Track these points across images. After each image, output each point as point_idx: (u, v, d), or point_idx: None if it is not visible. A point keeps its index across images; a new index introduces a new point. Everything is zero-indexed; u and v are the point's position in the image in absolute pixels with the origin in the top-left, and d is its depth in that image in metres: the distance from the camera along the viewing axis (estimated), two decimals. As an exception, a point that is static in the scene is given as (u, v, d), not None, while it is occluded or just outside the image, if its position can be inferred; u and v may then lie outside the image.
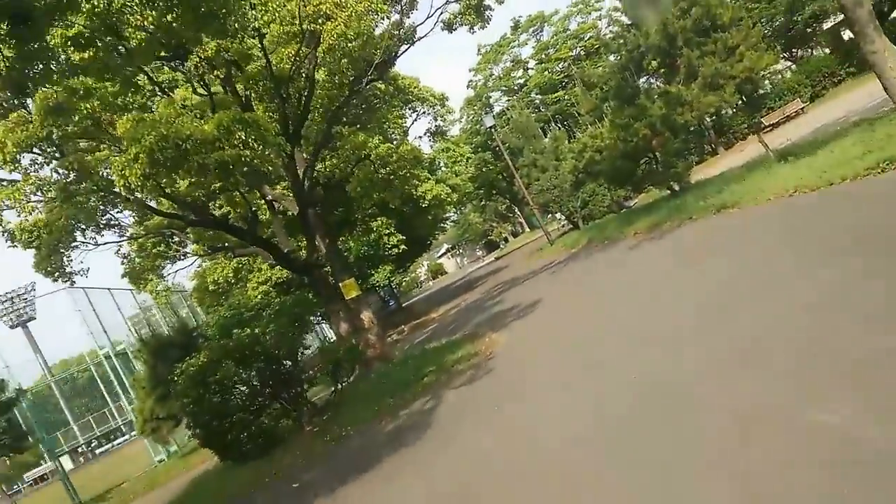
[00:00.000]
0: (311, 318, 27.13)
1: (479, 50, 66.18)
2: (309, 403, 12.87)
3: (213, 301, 31.04)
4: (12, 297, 44.45)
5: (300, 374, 12.74)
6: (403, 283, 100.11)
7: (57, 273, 16.58)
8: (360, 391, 13.29)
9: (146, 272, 19.58)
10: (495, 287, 27.35)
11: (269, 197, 16.60)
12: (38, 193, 10.50)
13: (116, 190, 11.36)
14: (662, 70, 30.29)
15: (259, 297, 27.95)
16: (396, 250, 30.90)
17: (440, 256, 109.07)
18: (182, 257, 20.55)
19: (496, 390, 9.48)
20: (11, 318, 57.62)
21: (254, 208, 16.79)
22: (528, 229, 75.32)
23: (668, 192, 22.71)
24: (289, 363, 12.49)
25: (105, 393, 32.91)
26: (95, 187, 11.76)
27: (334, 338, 16.53)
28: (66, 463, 64.00)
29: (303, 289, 26.04)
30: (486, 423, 8.00)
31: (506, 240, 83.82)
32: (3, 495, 18.27)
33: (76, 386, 64.92)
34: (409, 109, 33.97)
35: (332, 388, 13.46)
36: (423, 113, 34.69)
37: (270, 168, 12.45)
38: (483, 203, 73.15)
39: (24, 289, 33.13)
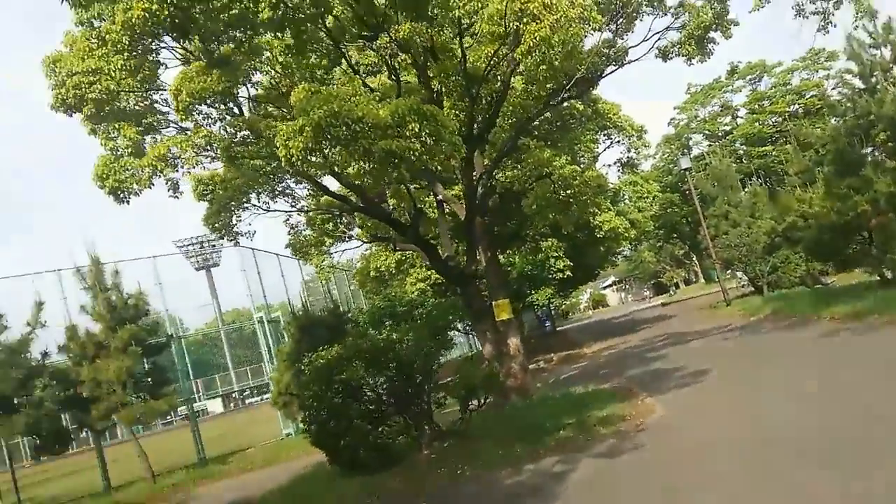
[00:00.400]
0: (457, 327, 26.10)
1: (688, 88, 62.49)
2: (433, 425, 11.58)
3: (374, 288, 30.92)
4: (202, 242, 47.51)
5: (430, 391, 11.48)
6: (563, 307, 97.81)
7: (224, 230, 16.62)
8: (489, 426, 11.82)
9: (310, 246, 19.33)
10: (659, 337, 24.80)
11: (440, 197, 15.56)
12: (209, 149, 10.08)
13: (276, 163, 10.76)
14: (890, 144, 26.19)
15: (416, 293, 27.33)
16: (561, 275, 29.11)
17: (605, 287, 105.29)
18: (347, 239, 20.24)
19: (640, 477, 7.62)
20: (198, 261, 62.13)
21: (420, 206, 15.88)
22: (702, 280, 70.19)
23: (878, 278, 19.29)
24: (420, 378, 11.27)
25: (262, 350, 33.76)
26: (259, 153, 11.23)
27: (480, 348, 15.21)
28: (218, 406, 68.52)
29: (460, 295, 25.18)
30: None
31: (676, 286, 78.84)
32: (133, 436, 18.58)
33: (242, 336, 68.97)
34: (604, 135, 32.06)
35: (461, 416, 12.08)
36: (618, 142, 32.64)
37: (440, 167, 11.35)
38: (661, 244, 69.10)
39: (207, 238, 34.92)
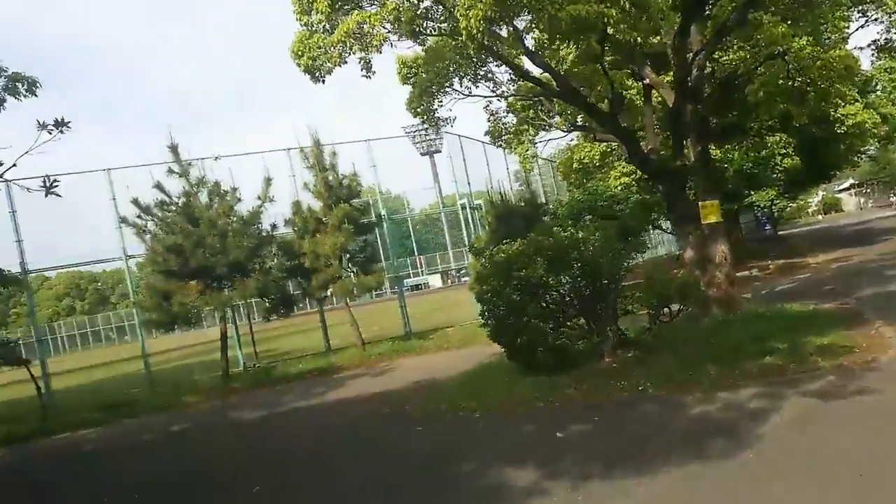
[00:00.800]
0: (660, 226, 23.76)
1: None
2: (618, 332, 10.36)
3: (577, 180, 29.27)
4: (426, 128, 48.08)
5: (616, 296, 10.20)
6: (787, 210, 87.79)
7: (425, 115, 16.04)
8: (681, 340, 10.33)
9: (510, 134, 18.18)
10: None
11: (647, 81, 13.46)
12: (397, 25, 9.16)
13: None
14: None
15: (619, 187, 25.32)
16: (787, 175, 25.19)
17: (841, 191, 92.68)
18: (547, 128, 18.74)
19: (866, 434, 5.89)
20: (423, 147, 63.63)
21: (622, 91, 13.87)
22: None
23: None
24: (605, 281, 10.00)
25: (464, 236, 34.04)
26: (441, 28, 10.10)
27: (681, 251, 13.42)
28: (437, 281, 72.06)
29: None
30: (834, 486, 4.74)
31: (930, 191, 66.85)
32: (346, 307, 19.39)
33: (458, 219, 70.90)
34: (858, 12, 26.28)
35: (649, 325, 10.69)
36: (875, 19, 26.60)
37: (643, 42, 9.45)
38: (917, 144, 58.18)
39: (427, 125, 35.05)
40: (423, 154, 61.18)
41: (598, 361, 9.98)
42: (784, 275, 21.76)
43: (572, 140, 29.92)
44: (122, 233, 18.70)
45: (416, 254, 71.68)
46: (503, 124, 18.43)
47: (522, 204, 20.06)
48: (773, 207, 50.93)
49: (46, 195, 6.63)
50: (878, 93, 31.99)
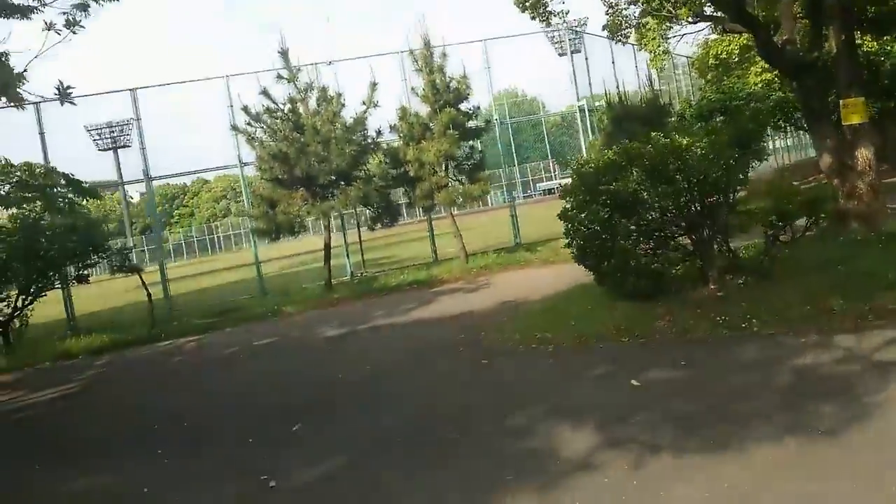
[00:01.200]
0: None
1: None
2: (728, 255, 8.78)
3: (715, 78, 26.04)
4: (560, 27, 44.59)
5: (728, 212, 8.54)
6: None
7: (535, 9, 14.39)
8: (805, 264, 8.57)
9: (630, 28, 15.92)
10: None
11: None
12: None
13: None
14: None
15: (760, 85, 22.10)
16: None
17: None
18: (674, 20, 16.20)
19: None
20: (560, 48, 59.85)
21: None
22: None
23: None
24: (715, 196, 8.37)
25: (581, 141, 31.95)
26: None
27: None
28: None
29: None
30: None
31: None
32: (451, 216, 18.68)
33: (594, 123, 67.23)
34: None
35: (766, 246, 8.96)
36: None
37: None
38: None
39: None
40: (560, 55, 57.75)
41: (702, 289, 8.53)
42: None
43: (709, 34, 26.50)
44: (237, 140, 18.78)
45: (549, 157, 69.02)
46: (623, 16, 16.18)
47: (643, 105, 17.86)
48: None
49: (62, 103, 6.15)
50: None
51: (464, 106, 18.61)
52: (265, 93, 17.21)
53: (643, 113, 17.22)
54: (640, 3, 15.75)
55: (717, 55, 23.96)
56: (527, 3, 14.15)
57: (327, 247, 17.94)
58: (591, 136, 21.42)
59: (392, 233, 29.27)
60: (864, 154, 10.45)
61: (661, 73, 26.45)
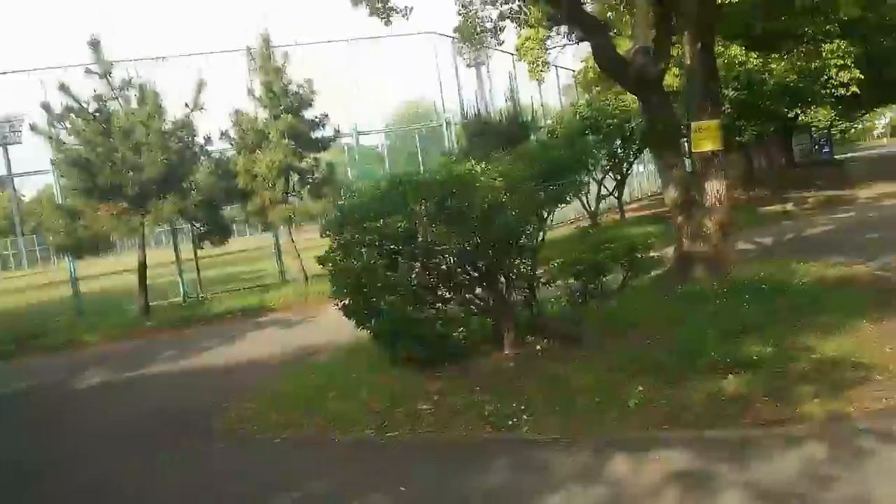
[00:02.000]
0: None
1: None
2: (532, 309, 7.06)
3: (605, 91, 24.98)
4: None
5: (529, 260, 6.82)
6: (852, 132, 79.43)
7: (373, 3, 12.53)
8: (621, 323, 6.96)
9: (483, 33, 14.26)
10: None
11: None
12: None
13: None
14: None
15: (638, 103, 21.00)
16: (844, 91, 20.43)
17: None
18: (522, 25, 14.75)
19: None
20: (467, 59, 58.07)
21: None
22: None
23: None
24: (512, 240, 6.62)
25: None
26: None
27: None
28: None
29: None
30: None
31: None
32: (290, 237, 16.54)
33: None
34: None
35: (569, 301, 7.31)
36: None
37: None
38: None
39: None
40: (468, 66, 56.11)
41: (497, 352, 6.76)
42: (824, 212, 17.72)
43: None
44: (50, 142, 15.89)
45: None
46: (478, 19, 14.49)
47: (503, 121, 16.28)
48: (832, 129, 45.24)
49: None
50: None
51: (310, 113, 16.57)
52: (64, 88, 14.57)
53: (502, 129, 15.65)
54: (497, 5, 14.12)
55: (597, 68, 22.89)
56: (360, -4, 12.25)
57: (142, 266, 15.43)
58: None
59: (252, 246, 26.71)
60: (714, 188, 9.05)
61: (543, 84, 25.27)
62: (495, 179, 6.38)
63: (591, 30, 9.01)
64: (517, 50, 22.41)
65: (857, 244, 11.75)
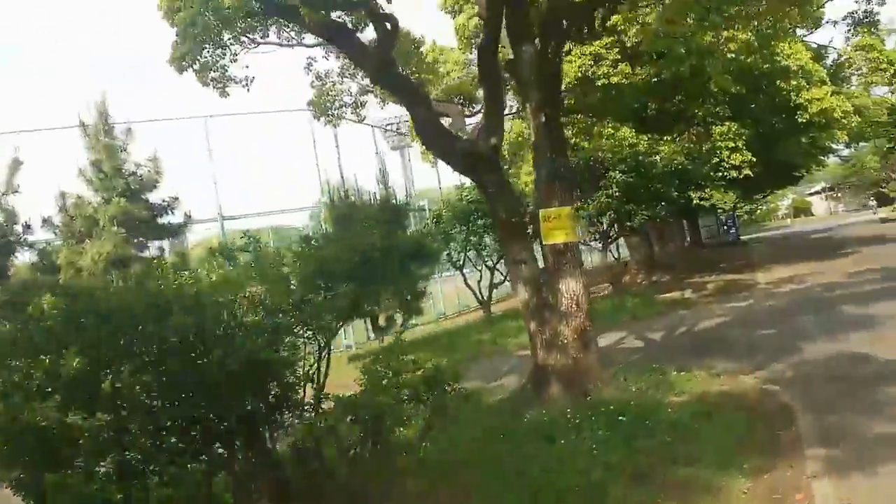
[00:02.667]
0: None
1: None
2: (270, 474, 5.01)
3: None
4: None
5: (275, 402, 4.84)
6: (758, 212, 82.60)
7: (203, 73, 10.73)
8: (438, 470, 5.04)
9: (344, 107, 12.71)
10: (872, 275, 15.50)
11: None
12: None
13: None
14: None
15: (530, 184, 19.79)
16: (737, 173, 19.94)
17: (811, 194, 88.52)
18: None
19: None
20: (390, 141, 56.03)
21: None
22: (941, 193, 53.76)
23: None
24: (248, 382, 4.63)
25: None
26: None
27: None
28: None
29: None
30: None
31: (902, 197, 62.21)
32: None
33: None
34: (830, -24, 21.16)
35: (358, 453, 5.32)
36: (851, -13, 21.47)
37: None
38: (891, 146, 53.28)
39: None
40: (393, 148, 54.10)
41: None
42: (722, 299, 16.61)
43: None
44: None
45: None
46: (333, 93, 12.93)
47: (373, 204, 14.53)
48: (736, 210, 46.10)
49: None
50: (852, 79, 26.67)
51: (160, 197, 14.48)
52: None
53: (370, 213, 13.90)
54: (354, 80, 12.63)
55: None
56: (184, 62, 10.45)
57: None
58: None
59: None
60: (570, 288, 7.43)
61: (436, 165, 23.97)
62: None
63: (410, 98, 7.46)
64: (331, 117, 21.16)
65: (749, 343, 10.38)
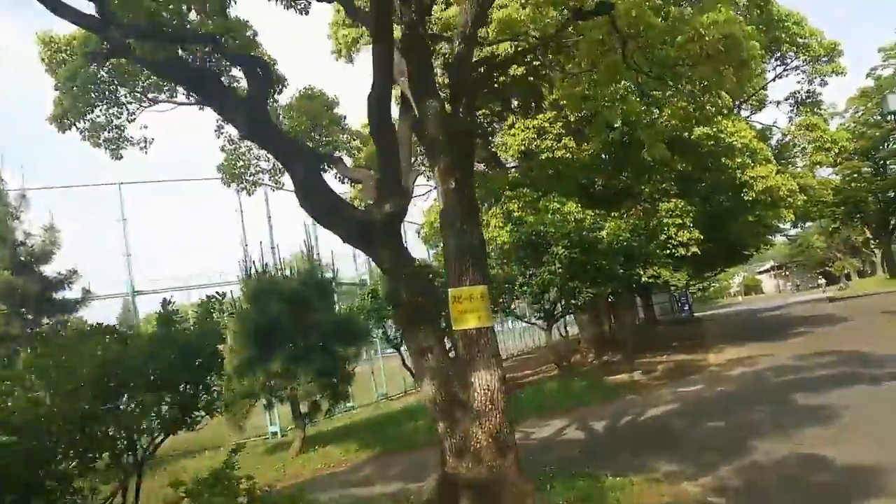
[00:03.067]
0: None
1: None
2: None
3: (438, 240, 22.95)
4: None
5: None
6: (710, 290, 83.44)
7: (89, 133, 9.55)
8: None
9: (258, 173, 11.64)
10: (823, 357, 14.75)
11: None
12: None
13: None
14: None
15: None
16: (684, 250, 19.41)
17: (762, 272, 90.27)
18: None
19: None
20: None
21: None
22: (881, 273, 54.88)
23: None
24: None
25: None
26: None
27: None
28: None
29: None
30: None
31: (848, 276, 63.52)
32: None
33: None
34: (775, 58, 21.43)
35: None
36: (795, 68, 21.80)
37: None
38: (836, 226, 54.60)
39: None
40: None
41: None
42: (669, 383, 15.62)
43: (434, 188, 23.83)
44: None
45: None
46: (247, 157, 11.86)
47: (298, 279, 13.39)
48: (689, 288, 46.10)
49: None
50: (797, 161, 26.90)
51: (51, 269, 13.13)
52: None
53: (291, 289, 12.73)
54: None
55: (434, 222, 21.06)
56: (65, 121, 9.31)
57: None
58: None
59: None
60: (484, 382, 6.30)
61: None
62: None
63: (286, 150, 6.43)
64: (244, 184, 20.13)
65: (696, 439, 9.31)
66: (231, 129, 10.87)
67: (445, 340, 6.68)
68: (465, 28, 6.60)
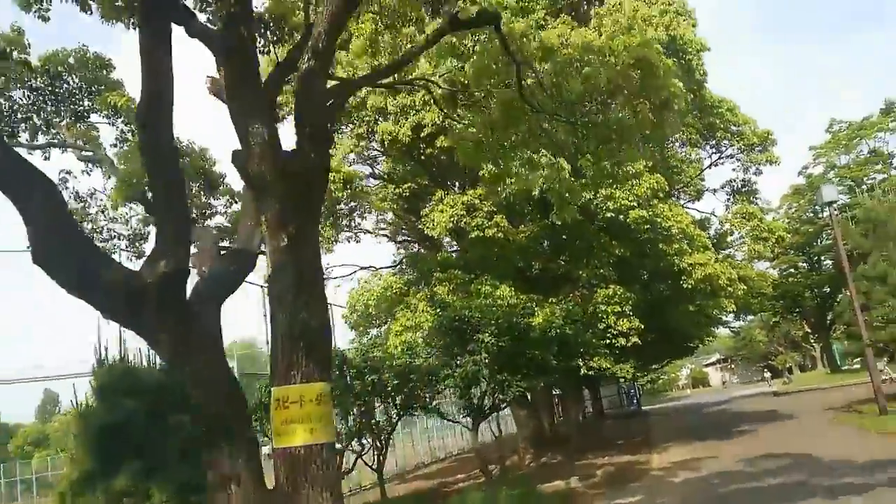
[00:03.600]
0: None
1: (830, 126, 44.26)
2: None
3: (367, 329, 20.98)
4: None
5: None
6: (659, 382, 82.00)
7: None
8: None
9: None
10: (771, 464, 12.95)
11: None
12: None
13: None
14: None
15: (401, 348, 16.46)
16: (624, 340, 17.76)
17: (709, 364, 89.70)
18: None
19: None
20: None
21: None
22: (821, 367, 54.41)
23: None
24: None
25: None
26: None
27: None
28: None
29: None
30: None
31: (790, 370, 63.00)
32: None
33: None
34: (710, 146, 20.80)
35: None
36: (730, 156, 21.20)
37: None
38: (776, 320, 54.36)
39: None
40: None
41: None
42: (608, 492, 13.50)
43: (369, 269, 22.00)
44: None
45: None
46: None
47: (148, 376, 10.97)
48: (636, 380, 44.60)
49: None
50: (737, 255, 26.08)
51: None
52: None
53: (148, 384, 10.37)
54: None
55: (367, 301, 19.12)
56: None
57: None
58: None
59: None
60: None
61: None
62: None
63: (25, 191, 4.51)
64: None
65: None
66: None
67: (263, 463, 4.62)
68: (317, 41, 4.95)
